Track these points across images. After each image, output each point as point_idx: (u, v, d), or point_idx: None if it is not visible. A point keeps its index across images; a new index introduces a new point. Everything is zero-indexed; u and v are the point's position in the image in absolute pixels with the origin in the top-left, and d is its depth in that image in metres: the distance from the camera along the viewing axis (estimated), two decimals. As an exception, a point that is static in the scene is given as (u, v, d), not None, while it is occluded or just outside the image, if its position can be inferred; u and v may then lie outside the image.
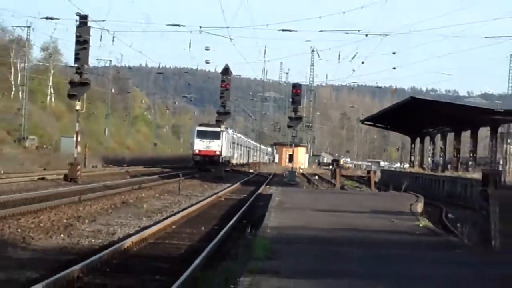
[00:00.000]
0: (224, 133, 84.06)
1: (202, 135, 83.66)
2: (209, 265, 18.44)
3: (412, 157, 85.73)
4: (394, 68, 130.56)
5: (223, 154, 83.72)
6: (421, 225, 26.69)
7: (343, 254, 18.17)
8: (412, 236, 23.22)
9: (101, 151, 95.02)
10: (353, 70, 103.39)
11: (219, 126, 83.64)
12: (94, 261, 17.68)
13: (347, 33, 68.13)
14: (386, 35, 71.96)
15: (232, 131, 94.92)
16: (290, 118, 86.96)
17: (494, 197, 21.39)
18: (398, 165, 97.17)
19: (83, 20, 55.83)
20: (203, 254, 19.71)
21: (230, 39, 75.34)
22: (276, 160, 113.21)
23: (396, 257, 18.51)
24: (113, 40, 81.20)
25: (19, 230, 23.16)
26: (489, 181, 23.80)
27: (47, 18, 69.96)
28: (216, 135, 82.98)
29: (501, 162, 53.87)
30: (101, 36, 66.75)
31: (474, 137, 63.93)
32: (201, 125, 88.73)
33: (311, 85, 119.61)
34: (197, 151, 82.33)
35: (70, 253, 19.83)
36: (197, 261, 18.34)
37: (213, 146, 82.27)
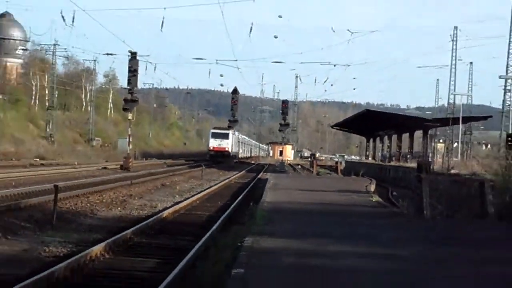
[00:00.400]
0: (232, 134, 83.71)
1: (215, 135, 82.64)
2: (223, 228, 18.40)
3: (367, 152, 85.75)
4: (354, 88, 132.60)
5: (231, 150, 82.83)
6: (373, 200, 26.64)
7: (318, 221, 18.16)
8: (367, 208, 23.38)
9: (146, 149, 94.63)
10: (325, 90, 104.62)
11: (228, 129, 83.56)
12: (141, 226, 17.95)
13: (321, 64, 68.36)
14: (348, 65, 72.16)
15: (238, 133, 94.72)
16: (280, 124, 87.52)
17: (425, 180, 21.35)
18: (357, 157, 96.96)
19: (133, 55, 55.75)
20: (219, 222, 19.86)
21: (238, 68, 75.57)
22: (271, 154, 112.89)
23: (355, 222, 18.54)
24: (154, 69, 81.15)
25: (88, 204, 23.30)
26: (422, 169, 24.00)
27: (108, 54, 69.90)
28: (225, 136, 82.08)
29: (430, 155, 53.63)
30: (146, 67, 66.94)
31: (411, 137, 64.12)
32: (214, 128, 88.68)
33: (295, 101, 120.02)
34: (211, 148, 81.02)
35: (124, 221, 20.06)
36: (214, 226, 18.51)
37: (223, 144, 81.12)
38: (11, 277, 11.11)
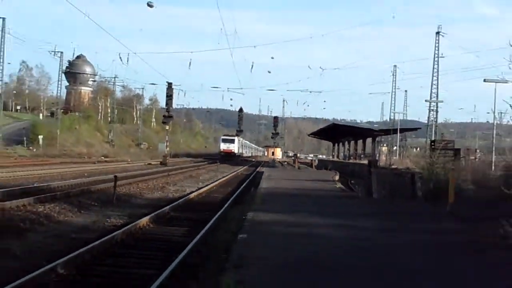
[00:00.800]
0: (237, 139, 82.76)
1: (224, 141, 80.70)
2: (232, 206, 18.37)
3: (333, 153, 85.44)
4: (324, 108, 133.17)
5: (237, 151, 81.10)
6: (337, 186, 26.52)
7: (299, 201, 18.05)
8: (333, 192, 23.16)
9: (178, 150, 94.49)
10: (304, 109, 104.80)
11: (234, 136, 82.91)
12: (175, 204, 17.84)
13: (301, 91, 68.55)
14: (320, 92, 72.37)
15: (242, 139, 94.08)
16: (272, 133, 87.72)
17: (374, 172, 21.33)
18: (326, 156, 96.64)
19: (169, 85, 55.81)
20: (229, 201, 19.69)
21: (243, 94, 76.32)
22: (266, 154, 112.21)
23: (325, 202, 18.49)
24: (184, 95, 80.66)
25: (138, 189, 23.15)
26: (371, 164, 23.95)
27: (151, 83, 70.25)
28: (232, 141, 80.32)
29: (377, 155, 53.46)
30: (178, 93, 66.69)
31: (364, 143, 63.82)
32: (224, 135, 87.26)
33: (283, 117, 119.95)
34: (222, 150, 78.61)
35: (163, 200, 19.83)
36: (226, 205, 18.37)
37: (231, 147, 78.90)
38: (83, 240, 11.15)
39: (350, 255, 9.11)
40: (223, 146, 79.40)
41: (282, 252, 8.98)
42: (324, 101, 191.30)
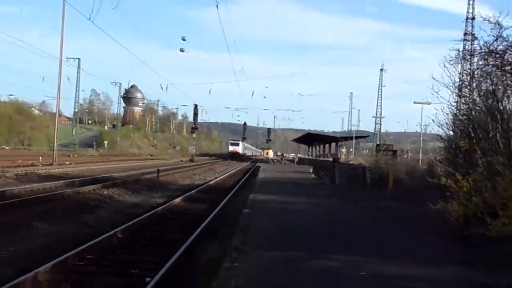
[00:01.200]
0: (241, 143, 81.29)
1: (232, 144, 78.96)
2: (239, 189, 18.27)
3: (309, 153, 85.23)
4: (302, 122, 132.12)
5: (241, 152, 79.23)
6: (311, 176, 26.20)
7: (285, 186, 17.77)
8: (308, 180, 22.79)
9: (202, 151, 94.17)
10: (288, 123, 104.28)
11: (239, 141, 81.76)
12: (200, 189, 17.63)
13: (286, 110, 68.34)
14: (300, 111, 72.75)
15: (245, 143, 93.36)
16: (266, 139, 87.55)
17: (336, 166, 21.28)
18: (305, 155, 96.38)
19: (196, 106, 55.93)
20: (236, 187, 19.51)
21: (246, 112, 76.48)
22: (262, 154, 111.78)
23: (302, 187, 18.13)
24: (206, 113, 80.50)
25: (173, 178, 22.91)
26: (335, 161, 23.84)
27: (183, 105, 70.22)
28: (237, 144, 78.56)
29: (338, 155, 53.31)
30: (202, 112, 67.07)
31: (330, 146, 63.68)
32: (231, 140, 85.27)
33: (274, 128, 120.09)
34: (230, 151, 76.05)
35: (191, 186, 19.49)
36: (235, 188, 18.23)
37: (236, 148, 76.83)
38: (135, 213, 11.18)
39: (316, 222, 9.16)
40: (231, 148, 77.99)
41: (273, 220, 9.02)
42: (302, 117, 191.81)
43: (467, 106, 10.58)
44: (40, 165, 25.61)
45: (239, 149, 78.39)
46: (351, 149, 63.63)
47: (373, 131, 72.21)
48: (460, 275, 5.52)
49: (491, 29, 8.84)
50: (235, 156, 71.82)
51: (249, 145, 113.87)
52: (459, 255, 6.62)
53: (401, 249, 6.98)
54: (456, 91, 10.97)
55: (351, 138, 57.25)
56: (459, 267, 5.88)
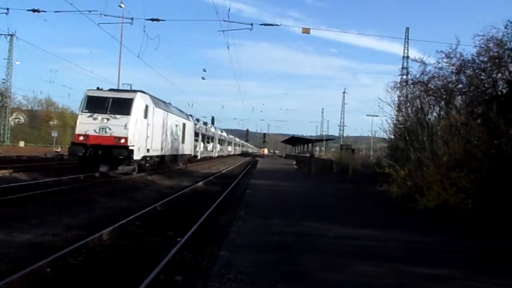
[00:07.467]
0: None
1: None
2: (242, 178, 18.13)
3: (293, 150, 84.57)
4: (288, 129, 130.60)
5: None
6: (295, 167, 26.32)
7: (276, 174, 17.86)
8: (292, 169, 22.97)
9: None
10: (278, 129, 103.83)
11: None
12: (215, 175, 17.55)
13: (276, 120, 67.72)
14: (286, 121, 72.40)
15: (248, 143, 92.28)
16: (263, 141, 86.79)
17: (312, 159, 21.30)
18: (290, 153, 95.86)
19: (213, 118, 55.49)
20: (239, 177, 19.15)
21: (248, 121, 75.62)
22: (260, 152, 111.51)
23: (288, 174, 18.24)
24: (220, 122, 79.00)
25: (197, 168, 22.46)
26: (311, 156, 23.82)
27: (203, 116, 68.89)
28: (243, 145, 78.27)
29: (314, 152, 53.16)
30: (217, 121, 66.10)
31: (307, 146, 63.32)
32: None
33: (268, 133, 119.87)
34: None
35: (209, 174, 19.24)
36: (238, 178, 17.79)
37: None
38: (170, 193, 11.17)
39: (297, 198, 9.26)
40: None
41: (266, 198, 9.09)
42: (288, 126, 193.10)
43: (403, 118, 10.90)
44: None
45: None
46: (323, 148, 63.63)
47: (338, 135, 72.27)
48: (397, 234, 5.68)
49: (419, 65, 9.50)
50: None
51: (251, 145, 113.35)
52: (397, 221, 6.77)
53: (355, 217, 7.09)
54: (396, 108, 11.38)
55: (323, 140, 57.30)
56: (396, 229, 6.05)
